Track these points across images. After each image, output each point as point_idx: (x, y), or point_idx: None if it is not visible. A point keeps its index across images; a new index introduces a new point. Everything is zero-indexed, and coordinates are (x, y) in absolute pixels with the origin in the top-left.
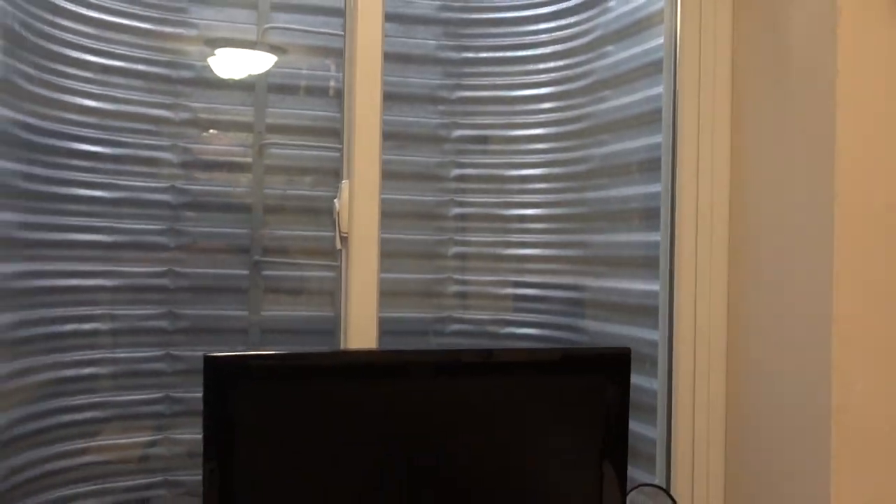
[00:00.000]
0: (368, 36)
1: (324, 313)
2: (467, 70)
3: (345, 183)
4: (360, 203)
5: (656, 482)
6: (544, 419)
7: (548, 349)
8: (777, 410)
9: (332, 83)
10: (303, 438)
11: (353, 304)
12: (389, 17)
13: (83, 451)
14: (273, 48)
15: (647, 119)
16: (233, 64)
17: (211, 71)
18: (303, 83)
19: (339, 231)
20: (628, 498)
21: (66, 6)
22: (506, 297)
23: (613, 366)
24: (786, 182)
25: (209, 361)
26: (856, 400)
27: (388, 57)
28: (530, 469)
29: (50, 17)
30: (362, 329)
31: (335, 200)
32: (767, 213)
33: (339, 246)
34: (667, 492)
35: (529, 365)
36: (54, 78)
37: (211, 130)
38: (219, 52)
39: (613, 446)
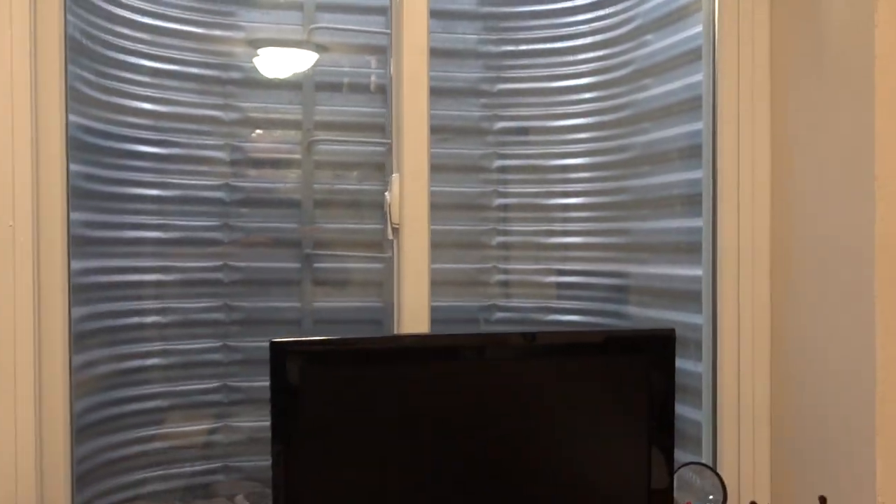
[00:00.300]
0: (414, 33)
1: (372, 303)
2: (508, 63)
3: (395, 176)
4: (411, 195)
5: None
6: (592, 399)
7: (594, 331)
8: (822, 392)
9: (372, 78)
10: (364, 419)
11: (405, 292)
12: (431, 14)
13: (149, 439)
14: (319, 47)
15: (688, 106)
16: (280, 64)
17: (259, 71)
18: (348, 80)
19: (391, 222)
20: (677, 475)
21: (121, 14)
22: (549, 285)
23: (659, 346)
24: (826, 166)
25: (275, 347)
26: None
27: (431, 52)
28: (579, 448)
29: (107, 24)
30: (415, 316)
31: (386, 193)
32: (808, 196)
33: (390, 237)
34: (713, 469)
35: (577, 347)
36: (112, 83)
37: (258, 130)
38: (266, 52)
39: (660, 425)
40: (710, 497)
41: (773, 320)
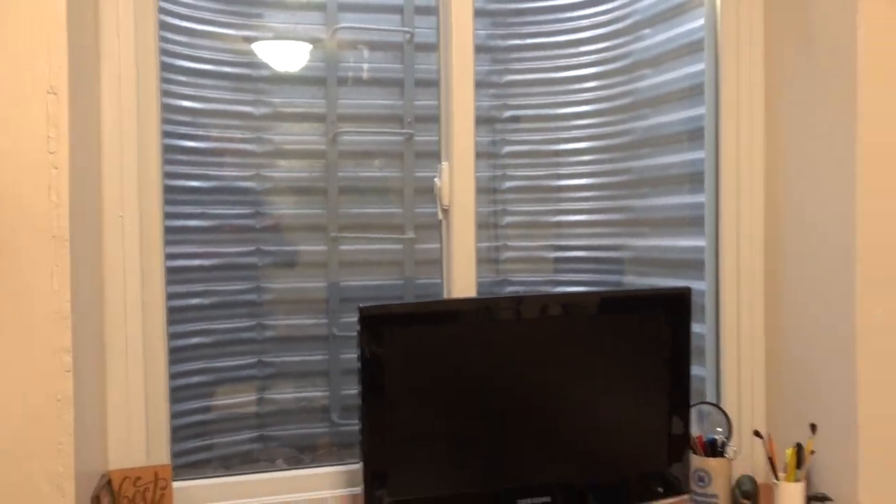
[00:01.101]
0: (461, 32)
1: (393, 281)
2: (515, 56)
3: (444, 164)
4: (459, 180)
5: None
6: (618, 351)
7: (620, 290)
8: (809, 338)
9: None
10: (434, 369)
11: (455, 267)
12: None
13: (196, 411)
14: (341, 45)
15: (687, 94)
16: (305, 61)
17: (285, 68)
18: (367, 75)
19: (441, 205)
20: (692, 413)
21: (163, 19)
22: (555, 260)
23: (676, 303)
24: (814, 145)
25: (363, 311)
26: (876, 323)
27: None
28: (608, 394)
29: None
30: (464, 289)
31: (435, 179)
32: (799, 172)
33: (440, 217)
34: (719, 406)
35: (606, 305)
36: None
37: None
38: (292, 50)
39: (680, 370)
40: (719, 429)
41: (767, 280)
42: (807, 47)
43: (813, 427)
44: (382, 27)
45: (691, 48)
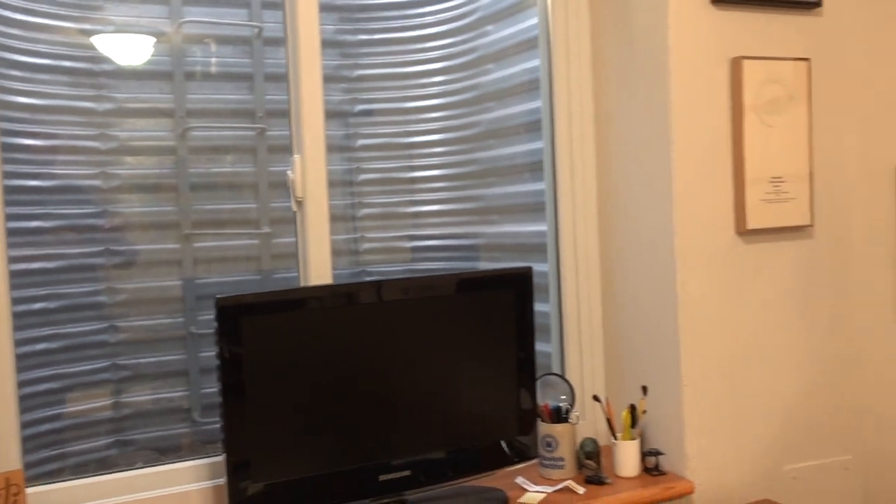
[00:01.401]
0: (308, 26)
1: (250, 277)
2: (364, 51)
3: (296, 157)
4: (311, 172)
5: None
6: (466, 329)
7: (467, 272)
8: (639, 309)
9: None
10: (292, 355)
11: (311, 258)
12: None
13: (46, 419)
14: (187, 38)
15: (527, 87)
16: (149, 55)
17: (130, 63)
18: (215, 70)
19: (295, 196)
20: (536, 384)
21: None
22: (411, 249)
23: (519, 282)
24: (636, 134)
25: (220, 301)
26: (693, 294)
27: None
28: (460, 368)
29: None
30: (321, 279)
31: (288, 171)
32: (625, 159)
33: (294, 209)
34: (563, 377)
35: (453, 286)
36: None
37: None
38: (135, 44)
39: (525, 343)
40: (563, 397)
41: (602, 260)
42: (627, 45)
43: (644, 389)
44: (230, 21)
45: (529, 44)
